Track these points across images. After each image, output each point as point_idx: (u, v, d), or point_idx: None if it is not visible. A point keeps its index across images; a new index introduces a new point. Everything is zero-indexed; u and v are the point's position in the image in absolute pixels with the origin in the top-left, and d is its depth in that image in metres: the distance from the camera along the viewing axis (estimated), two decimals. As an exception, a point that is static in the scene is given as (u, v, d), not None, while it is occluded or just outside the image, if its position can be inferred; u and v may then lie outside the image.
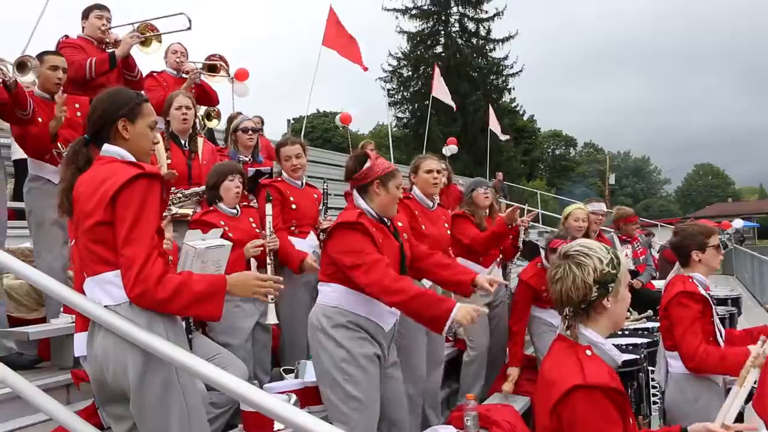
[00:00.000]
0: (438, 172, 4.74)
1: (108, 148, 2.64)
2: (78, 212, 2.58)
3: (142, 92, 4.61)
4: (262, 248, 4.33)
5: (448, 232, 4.90)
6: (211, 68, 6.79)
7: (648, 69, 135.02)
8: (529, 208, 6.42)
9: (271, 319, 4.40)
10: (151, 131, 2.74)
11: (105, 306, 2.52)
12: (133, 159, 2.64)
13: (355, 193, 3.62)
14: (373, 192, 3.56)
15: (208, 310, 2.53)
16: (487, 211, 5.66)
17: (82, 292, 2.67)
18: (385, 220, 3.64)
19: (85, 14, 5.61)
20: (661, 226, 26.57)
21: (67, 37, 5.53)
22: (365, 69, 16.48)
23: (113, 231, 2.46)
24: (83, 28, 5.61)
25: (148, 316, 2.49)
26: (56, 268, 4.46)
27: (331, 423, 2.80)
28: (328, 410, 3.52)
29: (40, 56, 4.62)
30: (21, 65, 4.35)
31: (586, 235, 5.83)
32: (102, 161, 2.62)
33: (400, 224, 3.91)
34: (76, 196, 2.59)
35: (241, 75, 11.43)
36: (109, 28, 5.62)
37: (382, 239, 3.52)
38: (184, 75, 6.32)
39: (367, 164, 3.55)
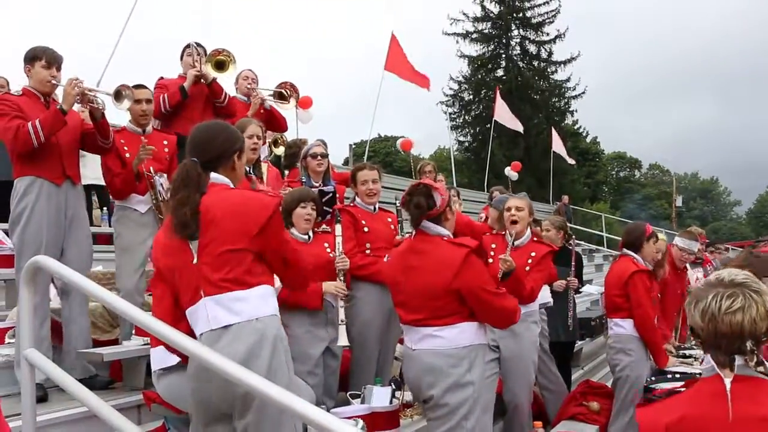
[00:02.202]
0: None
1: (218, 177, 2.80)
2: (214, 234, 2.68)
3: None
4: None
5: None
6: (281, 96, 6.74)
7: (716, 89, 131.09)
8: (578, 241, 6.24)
9: (342, 341, 4.42)
10: None
11: (227, 325, 2.65)
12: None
13: (430, 224, 3.54)
14: (444, 218, 3.57)
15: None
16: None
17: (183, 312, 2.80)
18: None
19: (181, 55, 6.03)
20: (731, 249, 25.63)
21: (162, 78, 5.91)
22: (428, 88, 16.59)
23: (265, 255, 2.76)
24: (182, 67, 5.98)
25: (266, 333, 2.67)
26: (134, 292, 4.64)
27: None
28: None
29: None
30: (117, 94, 4.59)
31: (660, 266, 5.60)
32: (218, 188, 2.77)
33: None
34: (209, 218, 2.69)
35: (305, 103, 11.61)
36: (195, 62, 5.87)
37: None
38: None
39: (438, 197, 3.50)
